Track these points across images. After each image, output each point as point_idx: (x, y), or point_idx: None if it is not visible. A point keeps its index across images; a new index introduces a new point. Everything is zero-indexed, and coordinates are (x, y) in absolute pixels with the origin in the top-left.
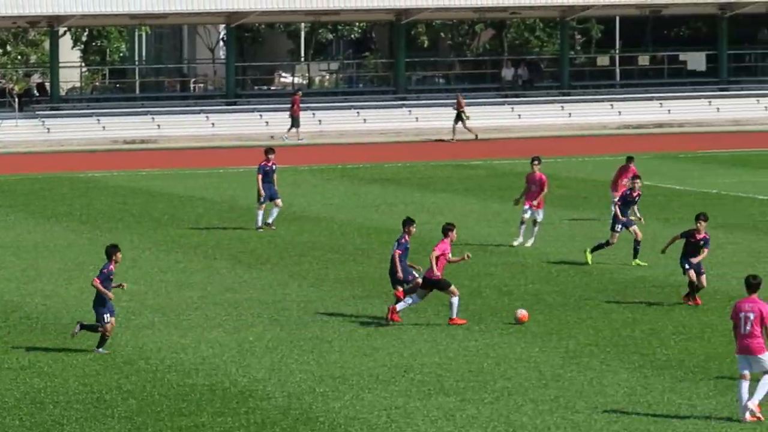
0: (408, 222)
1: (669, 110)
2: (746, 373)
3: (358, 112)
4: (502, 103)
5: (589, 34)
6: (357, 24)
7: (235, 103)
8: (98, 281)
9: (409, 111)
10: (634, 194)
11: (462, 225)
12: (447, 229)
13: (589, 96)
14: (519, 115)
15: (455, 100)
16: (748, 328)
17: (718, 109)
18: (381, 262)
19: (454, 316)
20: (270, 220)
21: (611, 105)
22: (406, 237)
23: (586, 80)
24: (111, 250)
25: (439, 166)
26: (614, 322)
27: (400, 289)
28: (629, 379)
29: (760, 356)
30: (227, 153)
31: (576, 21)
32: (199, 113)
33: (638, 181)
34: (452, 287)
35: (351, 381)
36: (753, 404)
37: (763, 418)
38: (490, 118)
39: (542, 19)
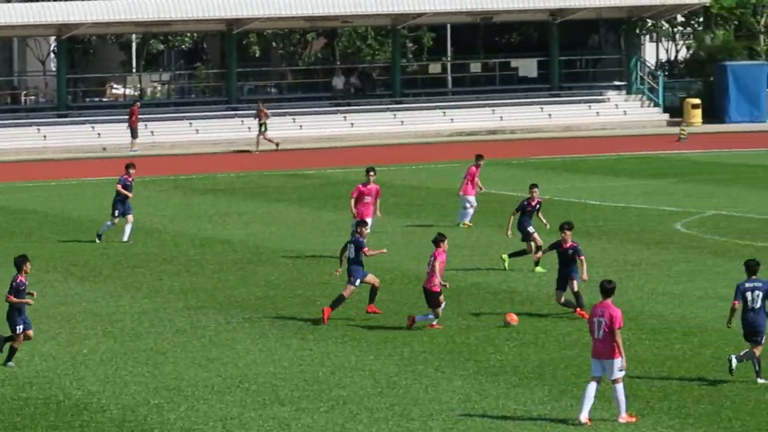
0: (360, 223)
1: (501, 117)
2: (598, 375)
3: (190, 123)
4: (335, 112)
5: (420, 42)
6: (188, 34)
7: (66, 115)
8: (11, 296)
9: (242, 121)
10: (533, 203)
11: (295, 234)
12: (439, 240)
13: (422, 104)
14: (351, 124)
15: (257, 110)
16: (600, 333)
17: (549, 115)
18: (215, 272)
19: (420, 319)
20: (125, 239)
21: (443, 112)
22: (359, 238)
23: (419, 88)
24: (20, 261)
25: (273, 175)
26: (449, 329)
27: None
28: (464, 385)
29: (612, 360)
30: (59, 165)
31: (407, 29)
32: (30, 126)
33: (536, 189)
34: (440, 309)
35: (186, 392)
36: (623, 419)
37: (636, 418)
38: (322, 127)
39: (374, 28)
